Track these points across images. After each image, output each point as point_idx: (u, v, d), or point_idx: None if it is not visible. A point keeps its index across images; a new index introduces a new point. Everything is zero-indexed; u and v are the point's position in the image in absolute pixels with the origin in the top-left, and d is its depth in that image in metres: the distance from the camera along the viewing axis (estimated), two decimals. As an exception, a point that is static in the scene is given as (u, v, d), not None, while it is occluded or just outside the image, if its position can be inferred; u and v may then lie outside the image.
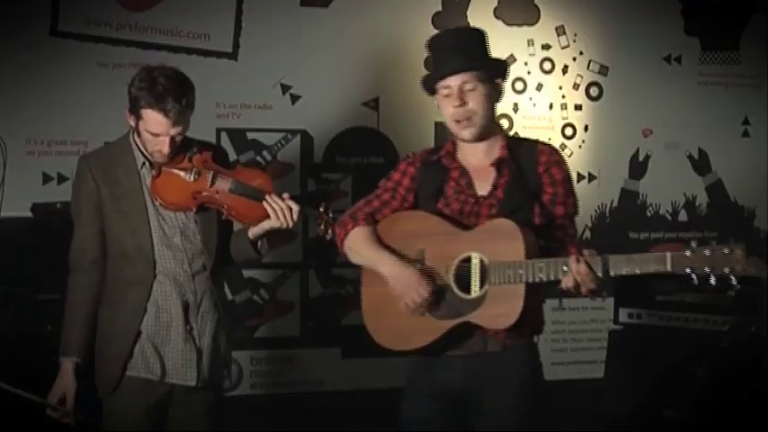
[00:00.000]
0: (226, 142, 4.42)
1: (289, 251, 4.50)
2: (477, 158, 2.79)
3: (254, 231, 2.97)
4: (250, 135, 4.49)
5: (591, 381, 4.49)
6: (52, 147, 4.21)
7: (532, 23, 4.92)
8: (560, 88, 4.97)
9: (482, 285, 2.62)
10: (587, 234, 4.95)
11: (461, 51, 2.75)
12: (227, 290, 4.40)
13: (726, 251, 2.38)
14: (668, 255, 2.44)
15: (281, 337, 4.54)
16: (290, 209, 2.91)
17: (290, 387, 4.52)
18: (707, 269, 2.40)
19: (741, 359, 3.71)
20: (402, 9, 4.65)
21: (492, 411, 2.68)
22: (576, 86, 5.00)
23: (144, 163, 2.92)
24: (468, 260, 2.66)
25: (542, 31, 4.95)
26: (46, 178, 4.21)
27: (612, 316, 4.17)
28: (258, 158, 4.49)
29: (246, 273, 4.47)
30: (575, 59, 4.98)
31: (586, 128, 5.02)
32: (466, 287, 2.65)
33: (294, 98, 4.54)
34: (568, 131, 4.99)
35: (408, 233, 2.77)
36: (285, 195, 2.93)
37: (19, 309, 3.45)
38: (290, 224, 2.92)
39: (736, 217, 5.24)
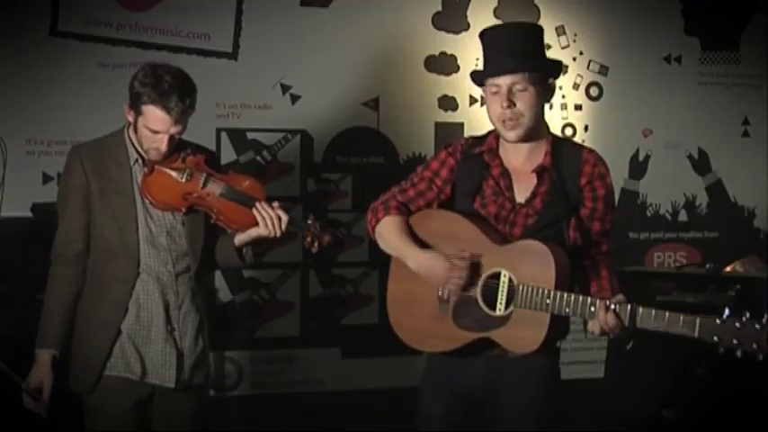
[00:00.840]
0: (226, 142, 4.42)
1: (289, 251, 4.50)
2: (520, 160, 2.71)
3: (240, 238, 2.94)
4: (250, 135, 4.49)
5: (591, 381, 4.49)
6: (52, 147, 4.21)
7: (534, 20, 4.92)
8: (560, 88, 4.97)
9: (507, 305, 2.57)
10: (587, 234, 4.95)
11: (515, 51, 2.63)
12: (227, 290, 4.45)
13: (757, 327, 2.33)
14: (698, 320, 2.41)
15: (281, 337, 4.54)
16: (279, 218, 2.88)
17: (290, 387, 4.52)
18: (734, 341, 2.34)
19: (741, 359, 3.71)
20: (402, 9, 4.65)
21: (509, 412, 2.66)
22: (576, 86, 5.00)
23: (137, 160, 2.90)
24: (496, 276, 2.60)
25: (542, 31, 4.94)
26: (46, 178, 4.21)
27: (612, 316, 4.16)
28: (258, 158, 4.49)
29: (246, 273, 4.47)
30: (575, 59, 4.98)
31: (586, 128, 5.02)
32: (492, 303, 2.60)
33: (294, 98, 4.54)
34: (568, 131, 4.99)
35: (441, 234, 2.70)
36: (275, 204, 2.91)
37: (19, 309, 3.44)
38: (278, 234, 2.89)
39: (736, 217, 5.24)
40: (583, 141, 5.00)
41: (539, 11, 4.92)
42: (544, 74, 2.67)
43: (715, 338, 2.37)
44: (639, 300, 4.03)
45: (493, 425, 2.70)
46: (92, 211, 2.87)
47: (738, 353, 2.35)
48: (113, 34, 4.28)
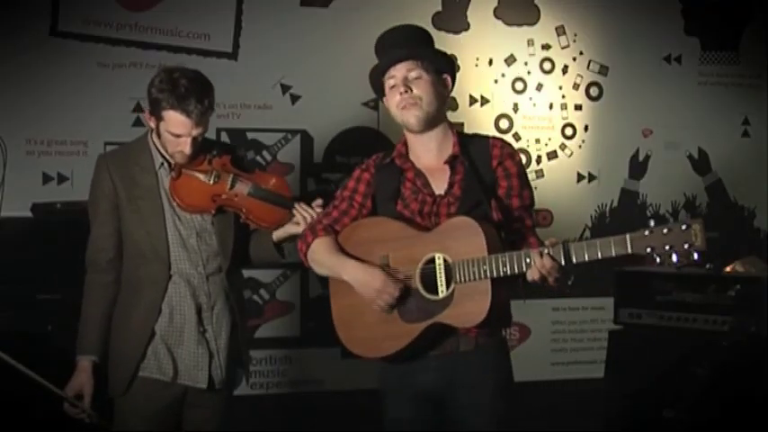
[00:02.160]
0: (226, 142, 4.42)
1: (288, 251, 4.49)
2: (430, 157, 2.79)
3: (278, 234, 3.01)
4: (250, 135, 4.50)
5: (591, 381, 4.49)
6: (52, 147, 4.21)
7: (532, 23, 4.92)
8: (560, 88, 4.97)
9: (448, 285, 2.61)
10: (587, 234, 4.96)
11: (404, 42, 2.76)
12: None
13: (683, 227, 2.35)
14: (628, 236, 2.43)
15: (281, 337, 4.54)
16: (310, 215, 2.97)
17: (290, 387, 4.52)
18: (667, 247, 2.37)
19: (741, 359, 3.71)
20: (402, 9, 4.65)
21: (468, 410, 2.69)
22: (576, 86, 5.00)
23: (162, 164, 2.94)
24: (432, 261, 2.65)
25: (542, 31, 4.95)
26: (46, 178, 4.21)
27: (612, 316, 4.16)
28: (258, 158, 4.49)
29: (246, 273, 4.46)
30: (575, 59, 4.99)
31: (586, 128, 5.02)
32: (433, 288, 2.64)
33: (294, 98, 4.54)
34: (568, 131, 4.99)
35: (369, 240, 2.75)
36: (316, 203, 3.00)
37: (19, 309, 3.44)
38: None
39: (736, 217, 5.24)
40: (583, 141, 5.01)
41: (539, 11, 4.92)
42: (437, 65, 2.77)
43: (648, 250, 2.40)
44: (639, 300, 4.05)
45: (454, 424, 2.72)
46: (121, 218, 2.91)
47: (674, 257, 2.38)
48: (113, 34, 4.28)
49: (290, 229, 2.98)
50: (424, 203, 2.74)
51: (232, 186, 2.93)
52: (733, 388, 3.67)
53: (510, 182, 2.76)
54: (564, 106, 4.99)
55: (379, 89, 2.84)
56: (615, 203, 5.06)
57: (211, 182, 2.92)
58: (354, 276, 2.72)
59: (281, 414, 4.36)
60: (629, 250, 2.43)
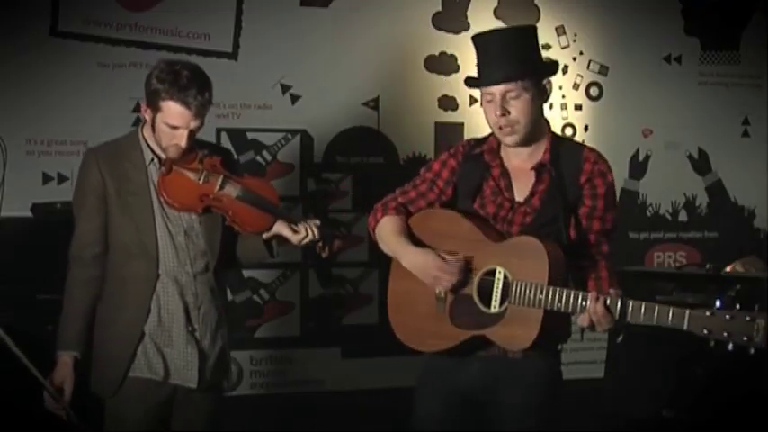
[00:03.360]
0: (226, 142, 4.42)
1: (289, 251, 4.49)
2: (520, 159, 2.70)
3: (267, 233, 2.96)
4: (250, 135, 4.49)
5: (591, 381, 4.49)
6: (52, 147, 4.21)
7: (532, 23, 4.92)
8: (560, 88, 4.97)
9: (503, 302, 2.57)
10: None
11: (506, 59, 2.60)
12: (227, 290, 4.44)
13: (747, 319, 2.30)
14: (687, 313, 2.37)
15: (281, 337, 4.54)
16: (314, 227, 2.93)
17: (290, 387, 4.52)
18: (725, 334, 2.32)
19: (741, 359, 3.71)
20: (402, 9, 4.65)
21: (507, 415, 2.65)
22: (576, 86, 5.00)
23: (152, 160, 2.91)
24: (491, 273, 2.60)
25: (542, 31, 4.90)
26: (46, 178, 4.21)
27: (612, 316, 4.16)
28: (258, 158, 4.49)
29: (246, 273, 4.47)
30: (575, 59, 4.99)
31: (586, 128, 5.02)
32: (487, 300, 2.60)
33: (294, 98, 4.54)
34: (568, 131, 4.99)
35: (438, 233, 2.71)
36: (314, 222, 2.95)
37: (19, 309, 3.44)
38: (301, 244, 2.94)
39: (736, 217, 5.24)
40: (583, 141, 5.00)
41: (539, 11, 4.92)
42: (539, 77, 2.65)
43: (705, 331, 2.34)
44: (640, 299, 4.05)
45: (491, 426, 2.69)
46: (109, 213, 2.88)
47: (730, 346, 2.32)
48: (113, 34, 4.28)
49: (281, 230, 2.93)
50: (501, 208, 2.68)
51: (221, 188, 2.89)
52: (733, 388, 3.67)
53: (595, 202, 2.66)
54: (564, 106, 4.99)
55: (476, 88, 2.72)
56: (616, 203, 5.05)
57: (201, 181, 2.88)
58: (412, 261, 2.68)
59: (281, 414, 4.36)
60: (685, 327, 2.37)
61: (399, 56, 4.68)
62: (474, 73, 2.73)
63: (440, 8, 4.77)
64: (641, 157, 5.09)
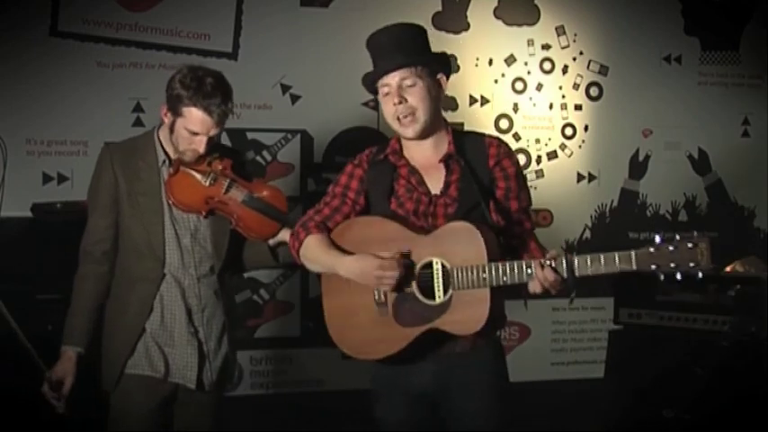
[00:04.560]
0: (226, 142, 4.42)
1: (282, 256, 4.49)
2: (425, 156, 2.73)
3: (273, 239, 2.99)
4: (250, 135, 4.50)
5: (591, 381, 4.49)
6: (52, 147, 4.22)
7: (532, 23, 4.92)
8: (560, 88, 4.97)
9: (446, 291, 2.58)
10: (587, 234, 4.96)
11: (398, 48, 2.69)
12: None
13: (689, 245, 2.35)
14: (633, 253, 2.40)
15: (281, 337, 4.54)
16: None
17: (290, 387, 4.53)
18: (672, 265, 2.36)
19: (741, 359, 3.71)
20: (402, 9, 4.65)
21: (463, 411, 2.67)
22: (576, 86, 5.00)
23: (164, 161, 2.93)
24: (429, 266, 2.61)
25: (542, 31, 4.95)
26: (46, 178, 4.21)
27: (612, 316, 4.16)
28: (258, 158, 4.49)
29: (246, 273, 4.47)
30: (575, 59, 4.99)
31: (586, 128, 5.02)
32: (430, 293, 2.60)
33: (294, 98, 4.54)
34: (568, 131, 4.99)
35: (364, 239, 2.69)
36: None
37: (19, 309, 3.44)
38: None
39: (736, 217, 5.24)
40: (583, 141, 5.01)
41: (539, 11, 4.92)
42: (432, 69, 2.70)
43: (653, 267, 2.38)
44: (639, 300, 4.05)
45: (449, 425, 2.70)
46: (120, 211, 2.90)
47: (678, 275, 2.37)
48: (113, 34, 4.28)
49: (286, 236, 2.94)
50: (420, 203, 2.69)
51: (227, 191, 2.91)
52: (733, 388, 3.67)
53: (508, 183, 2.71)
54: (564, 106, 4.99)
55: (373, 91, 2.79)
56: (615, 203, 5.06)
57: (207, 183, 2.90)
58: (350, 268, 2.66)
59: (281, 414, 4.36)
60: (634, 267, 2.40)
61: (399, 56, 4.67)
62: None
63: (440, 8, 4.77)
64: (641, 157, 5.09)
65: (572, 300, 2.59)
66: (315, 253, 2.75)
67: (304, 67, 4.53)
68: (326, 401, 4.46)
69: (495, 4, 4.86)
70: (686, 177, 5.17)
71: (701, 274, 2.36)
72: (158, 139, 2.96)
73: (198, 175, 2.90)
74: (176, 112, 2.83)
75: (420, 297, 2.62)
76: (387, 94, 2.69)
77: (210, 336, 2.94)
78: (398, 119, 2.67)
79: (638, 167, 5.10)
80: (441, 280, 2.59)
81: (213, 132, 2.84)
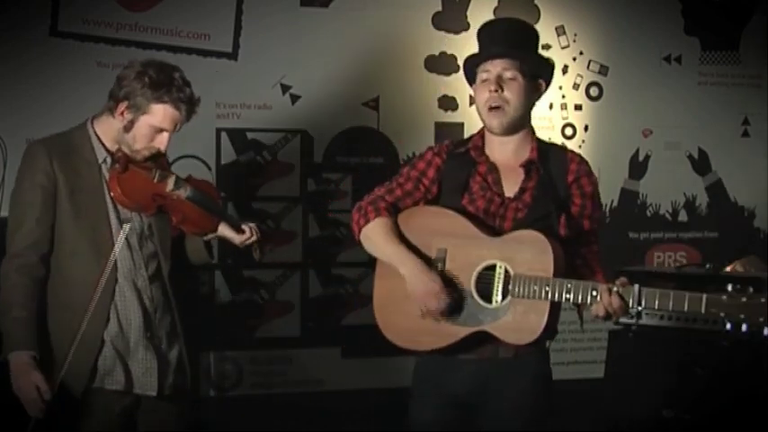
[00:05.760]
0: (226, 142, 4.42)
1: (289, 251, 4.50)
2: (505, 157, 2.71)
3: (207, 235, 2.93)
4: (250, 135, 4.49)
5: (591, 381, 4.49)
6: (52, 147, 4.21)
7: (532, 23, 4.91)
8: (560, 88, 4.97)
9: (504, 296, 2.56)
10: (587, 234, 4.95)
11: (508, 39, 2.67)
12: (227, 290, 4.44)
13: (762, 300, 2.33)
14: (704, 297, 2.39)
15: (281, 337, 4.53)
16: (257, 234, 2.94)
17: (290, 387, 4.52)
18: (741, 316, 2.35)
19: (741, 359, 3.71)
20: (402, 9, 4.65)
21: (502, 416, 2.65)
22: (576, 86, 5.00)
23: (105, 158, 2.82)
24: (491, 268, 2.58)
25: (542, 31, 4.88)
26: (46, 178, 4.20)
27: (612, 316, 4.16)
28: (258, 158, 4.49)
29: (246, 273, 4.47)
30: (575, 59, 4.98)
31: (586, 128, 5.02)
32: (486, 296, 2.58)
33: (294, 98, 4.54)
34: (568, 131, 4.99)
35: (430, 230, 2.67)
36: (257, 224, 2.95)
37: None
38: (244, 245, 2.94)
39: (736, 217, 5.23)
40: (583, 141, 5.01)
41: (539, 11, 4.92)
42: (534, 70, 2.68)
43: (722, 314, 2.37)
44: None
45: (485, 428, 2.68)
46: (59, 212, 2.75)
47: (744, 327, 2.36)
48: (113, 34, 4.27)
49: (224, 231, 2.90)
50: (491, 202, 2.67)
51: (175, 188, 2.83)
52: (733, 388, 3.67)
53: (584, 201, 2.70)
54: (564, 106, 4.99)
55: (471, 77, 2.75)
56: (615, 203, 5.06)
57: (155, 180, 2.80)
58: (412, 273, 2.62)
59: (281, 414, 4.36)
60: (702, 310, 2.39)
61: (399, 56, 4.67)
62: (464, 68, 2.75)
63: (440, 8, 4.76)
64: (641, 157, 5.09)
65: (635, 329, 2.60)
66: (381, 238, 2.71)
67: (304, 67, 4.52)
68: (326, 401, 4.45)
69: (495, 4, 4.85)
70: (686, 177, 5.17)
71: (767, 331, 2.35)
72: (95, 134, 2.84)
73: (146, 173, 2.80)
74: (140, 110, 2.73)
75: (476, 298, 2.59)
76: (485, 80, 2.66)
77: (163, 338, 2.84)
78: (490, 107, 2.64)
79: (638, 167, 5.09)
80: (501, 284, 2.56)
81: (179, 128, 2.78)
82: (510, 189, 2.68)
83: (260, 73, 4.47)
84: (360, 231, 2.77)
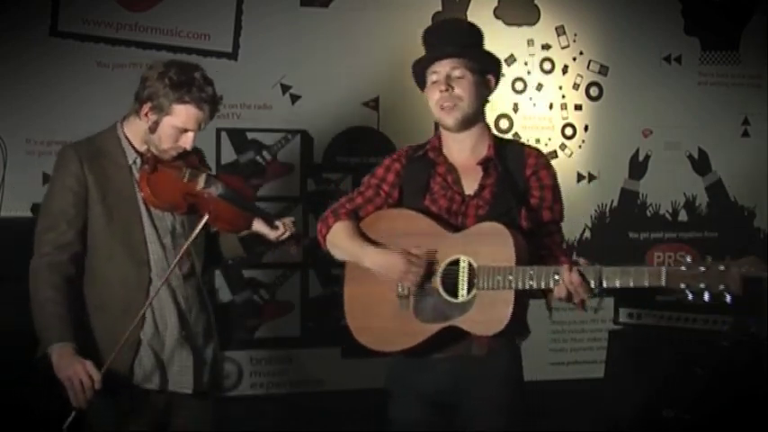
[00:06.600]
0: (226, 142, 4.42)
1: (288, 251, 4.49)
2: (464, 156, 2.76)
3: (242, 232, 2.95)
4: (250, 135, 4.49)
5: (591, 381, 4.49)
6: (52, 147, 4.19)
7: (532, 23, 4.92)
8: (560, 88, 4.97)
9: (470, 290, 2.58)
10: (587, 234, 4.95)
11: (452, 39, 2.74)
12: (227, 290, 4.44)
13: (721, 268, 2.36)
14: (663, 269, 2.41)
15: (281, 337, 4.54)
16: (291, 229, 2.94)
17: (290, 387, 4.52)
18: (702, 285, 2.37)
19: (741, 359, 3.71)
20: (402, 9, 4.65)
21: (476, 414, 2.67)
22: (576, 86, 5.00)
23: (135, 159, 2.85)
24: (455, 263, 2.62)
25: (542, 31, 4.95)
26: (46, 178, 4.19)
27: (612, 316, 4.16)
28: (258, 158, 4.49)
29: (246, 273, 4.47)
30: (575, 59, 4.98)
31: (586, 128, 5.02)
32: (453, 291, 2.61)
33: (294, 98, 4.54)
34: (568, 131, 4.99)
35: (393, 232, 2.71)
36: (292, 219, 2.97)
37: (19, 308, 3.44)
38: (279, 240, 2.94)
39: (736, 217, 5.23)
40: (583, 141, 5.01)
41: (539, 11, 4.92)
42: (482, 66, 2.74)
43: (682, 285, 2.39)
44: (639, 300, 4.05)
45: (461, 427, 2.70)
46: (92, 216, 2.78)
47: (706, 296, 2.38)
48: (113, 34, 4.28)
49: (259, 227, 2.91)
50: (453, 201, 2.71)
51: (206, 186, 2.85)
52: (733, 388, 3.67)
53: (543, 193, 2.73)
54: (564, 106, 4.99)
55: (421, 81, 2.82)
56: (615, 203, 5.06)
57: (186, 179, 2.82)
58: (376, 261, 2.68)
59: (281, 414, 4.36)
60: (663, 283, 2.41)
61: (399, 56, 4.64)
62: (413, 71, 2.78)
63: (440, 8, 4.76)
64: (641, 157, 5.09)
65: (596, 310, 2.61)
66: (342, 240, 2.77)
67: (304, 67, 4.52)
68: (326, 401, 4.45)
69: (495, 4, 4.85)
70: (686, 177, 5.17)
71: (729, 298, 2.36)
72: (125, 136, 2.87)
73: (176, 172, 2.82)
74: (163, 111, 2.75)
75: (443, 294, 2.62)
76: (435, 81, 2.73)
77: (199, 337, 2.88)
78: (441, 107, 2.69)
79: (638, 167, 5.09)
80: (466, 278, 2.59)
81: (203, 127, 2.80)
82: (470, 187, 2.72)
83: (260, 73, 4.48)
84: (324, 239, 2.84)
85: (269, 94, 4.50)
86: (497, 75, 2.80)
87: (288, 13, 4.52)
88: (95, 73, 4.25)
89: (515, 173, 2.71)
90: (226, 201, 2.86)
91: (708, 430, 3.69)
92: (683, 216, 5.16)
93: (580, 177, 4.98)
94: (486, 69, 2.76)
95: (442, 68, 2.71)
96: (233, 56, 4.44)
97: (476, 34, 2.80)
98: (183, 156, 2.86)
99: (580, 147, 5.00)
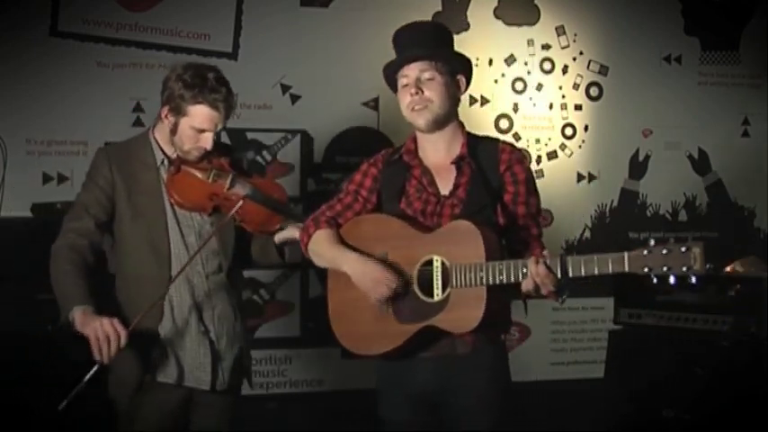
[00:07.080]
0: (225, 142, 4.42)
1: (288, 254, 4.49)
2: (438, 156, 2.77)
3: (281, 236, 2.98)
4: (250, 135, 4.49)
5: (591, 381, 4.49)
6: (52, 147, 4.21)
7: (532, 23, 4.92)
8: (560, 88, 4.97)
9: (444, 288, 2.60)
10: (587, 234, 4.96)
11: (421, 41, 2.75)
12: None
13: (683, 249, 2.34)
14: (625, 255, 2.41)
15: (281, 337, 4.54)
16: None
17: (290, 387, 4.52)
18: (665, 268, 2.36)
19: (741, 359, 3.71)
20: (402, 9, 4.64)
21: (463, 413, 2.68)
22: (576, 86, 5.00)
23: (162, 161, 2.91)
24: (429, 263, 2.63)
25: (542, 31, 4.95)
26: (46, 178, 4.20)
27: (612, 316, 4.16)
28: (258, 158, 4.49)
29: (246, 273, 4.46)
30: (575, 59, 4.99)
31: (586, 128, 5.02)
32: (429, 290, 2.63)
33: (294, 98, 4.54)
34: (568, 131, 4.99)
35: (370, 236, 2.74)
36: None
37: (19, 309, 3.45)
38: None
39: (736, 217, 5.24)
40: (583, 141, 5.01)
41: (539, 11, 4.92)
42: (452, 67, 2.75)
43: (646, 269, 2.38)
44: (639, 300, 4.05)
45: (450, 426, 2.71)
46: (119, 214, 2.86)
47: (671, 279, 2.36)
48: (113, 34, 4.28)
49: (294, 233, 2.94)
50: (428, 203, 2.73)
51: (231, 187, 2.89)
52: (733, 388, 3.67)
53: (517, 188, 2.73)
54: (564, 106, 4.99)
55: (393, 84, 2.84)
56: (615, 203, 5.06)
57: (210, 180, 2.88)
58: (353, 267, 2.71)
59: (281, 414, 4.36)
60: (627, 269, 2.41)
61: (399, 56, 4.67)
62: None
63: (440, 8, 4.77)
64: (641, 157, 5.09)
65: (562, 301, 2.60)
66: (322, 247, 2.79)
67: (304, 67, 4.53)
68: (326, 401, 4.46)
69: (495, 4, 4.86)
70: (686, 177, 5.17)
71: (693, 279, 2.35)
72: (155, 139, 2.94)
73: (200, 173, 2.88)
74: (180, 112, 2.81)
75: (419, 294, 2.64)
76: (405, 85, 2.75)
77: (222, 334, 2.92)
78: (412, 109, 2.71)
79: (638, 167, 5.09)
80: (440, 278, 2.61)
81: (220, 127, 2.84)
82: (445, 187, 2.74)
83: (260, 73, 4.48)
84: (306, 248, 2.85)
85: (269, 94, 4.50)
86: (468, 75, 2.81)
87: (288, 13, 4.52)
88: (95, 73, 4.26)
89: (489, 170, 2.72)
90: (254, 202, 2.88)
91: (708, 430, 3.69)
92: (683, 216, 5.16)
93: (580, 177, 4.98)
94: (456, 70, 2.77)
95: (411, 72, 2.73)
96: (233, 56, 4.45)
97: (445, 35, 2.82)
98: (210, 156, 2.90)
99: (580, 147, 5.00)
